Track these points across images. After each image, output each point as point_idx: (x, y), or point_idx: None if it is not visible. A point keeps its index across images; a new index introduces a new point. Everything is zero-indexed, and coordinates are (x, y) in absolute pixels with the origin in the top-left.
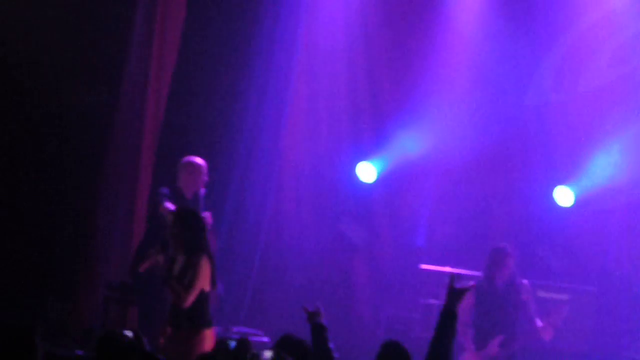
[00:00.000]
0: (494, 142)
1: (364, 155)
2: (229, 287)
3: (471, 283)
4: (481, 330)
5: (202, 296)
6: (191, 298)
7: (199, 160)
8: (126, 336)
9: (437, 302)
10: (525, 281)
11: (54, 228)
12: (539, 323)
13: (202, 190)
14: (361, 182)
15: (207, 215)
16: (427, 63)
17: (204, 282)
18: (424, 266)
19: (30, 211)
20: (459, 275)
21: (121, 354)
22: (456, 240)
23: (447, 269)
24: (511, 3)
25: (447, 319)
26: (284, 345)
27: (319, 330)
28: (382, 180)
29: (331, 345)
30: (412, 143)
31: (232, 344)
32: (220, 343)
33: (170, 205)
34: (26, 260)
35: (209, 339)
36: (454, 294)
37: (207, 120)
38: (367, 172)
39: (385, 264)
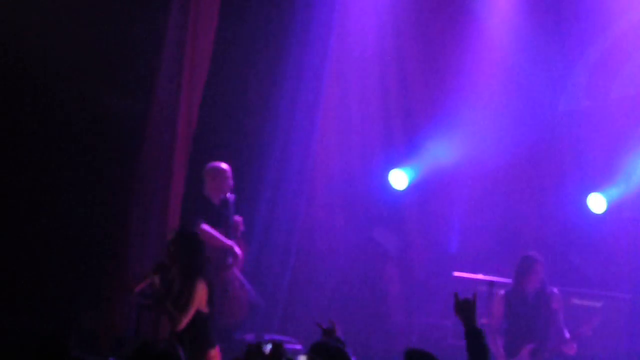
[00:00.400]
0: (526, 149)
1: (396, 163)
2: (261, 294)
3: (501, 292)
4: (511, 338)
5: (202, 317)
6: (184, 321)
7: (222, 164)
8: (161, 346)
9: None
10: (555, 290)
11: (86, 235)
12: (566, 334)
13: (232, 196)
14: (393, 189)
15: (238, 220)
16: (459, 69)
17: (198, 305)
18: (457, 273)
19: (63, 218)
20: (491, 283)
21: None
22: (489, 247)
23: (480, 276)
24: (544, 10)
25: (472, 337)
26: (318, 352)
27: (339, 348)
28: (414, 188)
29: (353, 359)
30: (444, 150)
31: (267, 347)
32: (253, 347)
33: (206, 227)
34: (58, 267)
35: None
36: (462, 310)
37: (239, 127)
38: (399, 179)
39: (417, 271)
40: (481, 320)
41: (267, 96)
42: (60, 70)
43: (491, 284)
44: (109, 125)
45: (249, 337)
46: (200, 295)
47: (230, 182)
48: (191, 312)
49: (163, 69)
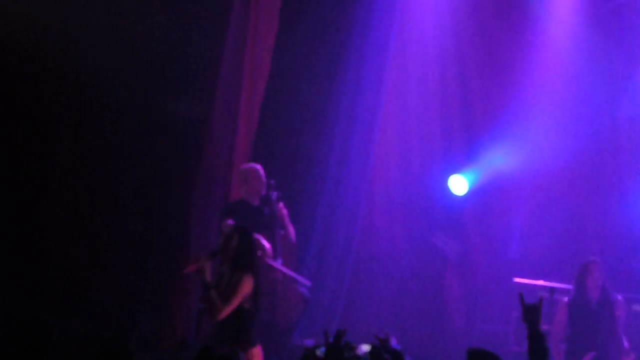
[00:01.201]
0: (587, 154)
1: (455, 168)
2: (321, 299)
3: (564, 299)
4: (573, 345)
5: (245, 314)
6: (225, 312)
7: (251, 165)
8: (223, 350)
9: None
10: (619, 297)
11: (147, 239)
12: (625, 343)
13: (274, 193)
14: (453, 194)
15: (281, 206)
16: (519, 74)
17: (242, 299)
18: (517, 279)
19: (124, 222)
20: (552, 289)
21: None
22: (549, 253)
23: (541, 282)
24: (604, 15)
25: (534, 340)
26: (384, 347)
27: (396, 356)
28: (474, 193)
29: None
30: (504, 155)
31: (322, 349)
32: (309, 351)
33: (230, 222)
34: (119, 272)
35: (256, 358)
36: (528, 313)
37: (299, 131)
38: (459, 184)
39: (477, 277)
40: (542, 327)
41: (327, 100)
42: (122, 75)
43: (552, 290)
44: (171, 129)
45: (309, 342)
46: (246, 289)
47: (263, 180)
48: (234, 304)
49: (224, 72)
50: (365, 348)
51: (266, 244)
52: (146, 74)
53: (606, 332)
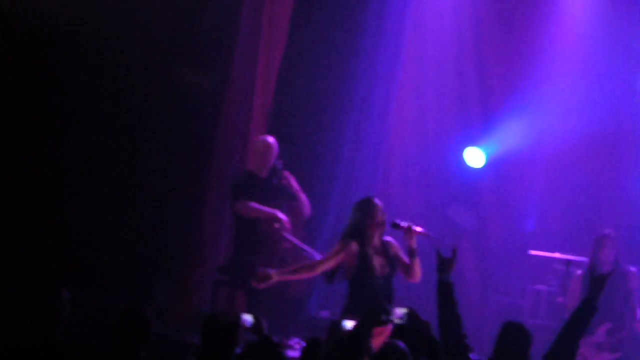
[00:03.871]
0: (603, 128)
1: (472, 141)
2: None
3: (578, 272)
4: None
5: None
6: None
7: (267, 138)
8: (228, 318)
9: (545, 288)
10: (633, 269)
11: (164, 211)
12: (639, 314)
13: (279, 162)
14: (470, 167)
15: (287, 174)
16: (537, 48)
17: None
18: (533, 252)
19: (141, 195)
20: (568, 262)
21: (225, 334)
22: (566, 226)
23: (557, 254)
24: None
25: (585, 311)
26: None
27: (446, 289)
28: (490, 166)
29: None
30: (521, 128)
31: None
32: (335, 324)
33: (248, 204)
34: (137, 243)
35: None
36: (596, 283)
37: (315, 102)
38: (475, 157)
39: (493, 250)
40: (557, 299)
41: (343, 73)
42: (138, 46)
43: (568, 262)
44: (188, 100)
45: (324, 313)
46: None
47: (276, 155)
48: None
49: (240, 43)
50: (400, 311)
51: (281, 216)
52: (162, 46)
53: (620, 304)
